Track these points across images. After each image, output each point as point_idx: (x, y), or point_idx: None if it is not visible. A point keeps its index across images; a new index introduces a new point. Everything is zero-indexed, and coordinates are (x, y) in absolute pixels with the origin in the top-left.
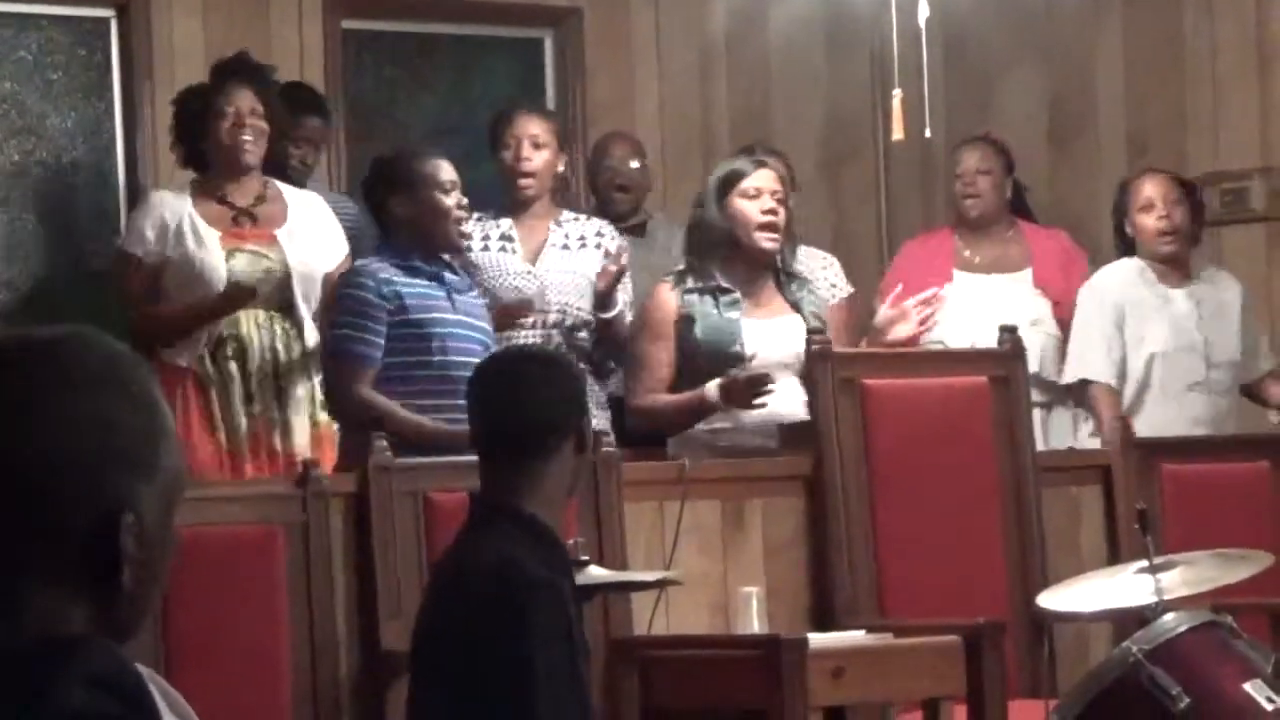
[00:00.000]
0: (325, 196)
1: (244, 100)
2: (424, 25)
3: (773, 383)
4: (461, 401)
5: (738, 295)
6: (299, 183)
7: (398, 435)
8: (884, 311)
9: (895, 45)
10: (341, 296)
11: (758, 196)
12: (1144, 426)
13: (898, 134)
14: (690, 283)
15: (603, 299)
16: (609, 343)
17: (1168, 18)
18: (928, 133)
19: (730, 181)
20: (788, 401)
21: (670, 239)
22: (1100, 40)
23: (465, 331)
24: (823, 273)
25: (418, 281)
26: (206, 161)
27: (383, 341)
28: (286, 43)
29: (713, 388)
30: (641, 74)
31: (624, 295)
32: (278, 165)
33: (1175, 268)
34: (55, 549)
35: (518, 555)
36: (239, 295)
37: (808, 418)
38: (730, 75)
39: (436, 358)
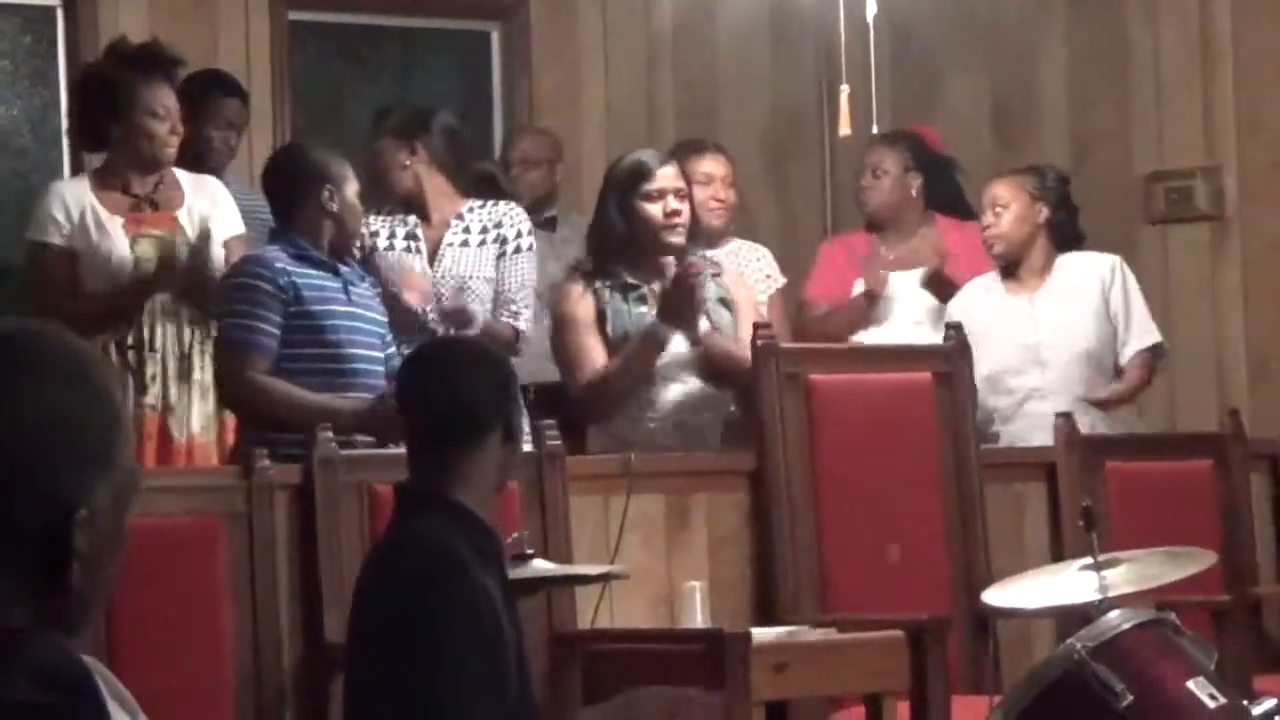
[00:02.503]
0: (243, 192)
1: (169, 99)
2: (371, 17)
3: (699, 270)
4: (358, 392)
5: (644, 290)
6: (220, 167)
7: (291, 419)
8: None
9: (842, 41)
10: (236, 285)
11: (661, 198)
12: (1001, 441)
13: (844, 130)
14: (598, 281)
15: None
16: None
17: (1111, 18)
18: (874, 129)
19: (633, 179)
20: (678, 397)
21: (576, 232)
22: (1044, 39)
23: (359, 324)
24: (756, 265)
25: (313, 272)
26: (108, 147)
27: (278, 331)
28: (233, 34)
29: (648, 323)
30: (587, 68)
31: (477, 305)
32: (197, 152)
33: (1020, 272)
34: (7, 542)
35: (446, 540)
36: (162, 272)
37: (705, 416)
38: (676, 69)
39: (330, 350)
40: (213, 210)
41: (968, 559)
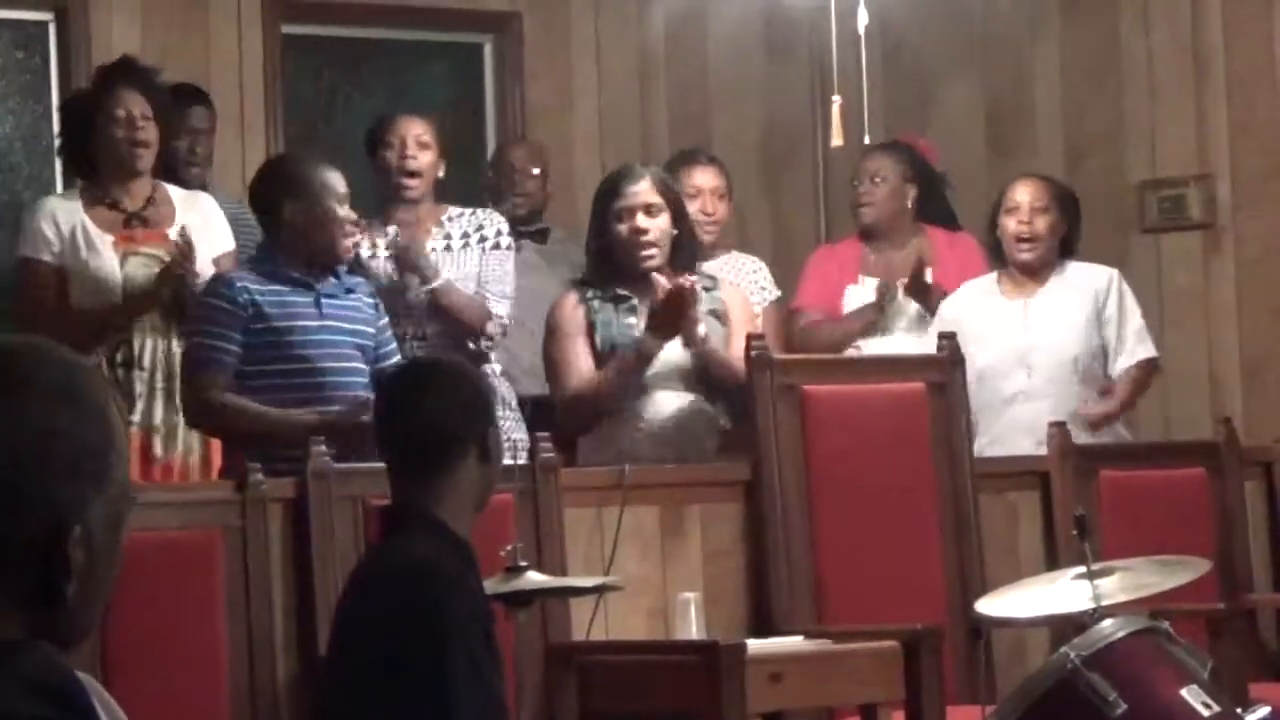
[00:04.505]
0: (230, 205)
1: (134, 104)
2: (363, 30)
3: (691, 289)
4: (331, 405)
5: (635, 302)
6: (197, 177)
7: (252, 434)
8: None
9: (835, 51)
10: (198, 305)
11: (630, 217)
12: (983, 440)
13: (837, 140)
14: (591, 291)
15: (411, 271)
16: (445, 317)
17: (1105, 27)
18: (867, 139)
19: (608, 195)
20: (668, 409)
21: (570, 252)
22: (1038, 49)
23: (332, 336)
24: (752, 277)
25: (279, 288)
26: (94, 167)
27: (237, 349)
28: (225, 47)
29: (639, 337)
30: (581, 79)
31: (445, 269)
32: (170, 165)
33: (1029, 275)
34: (2, 557)
35: (431, 556)
36: (141, 303)
37: (695, 428)
38: (669, 80)
39: (301, 365)
40: (204, 226)
41: (962, 568)
